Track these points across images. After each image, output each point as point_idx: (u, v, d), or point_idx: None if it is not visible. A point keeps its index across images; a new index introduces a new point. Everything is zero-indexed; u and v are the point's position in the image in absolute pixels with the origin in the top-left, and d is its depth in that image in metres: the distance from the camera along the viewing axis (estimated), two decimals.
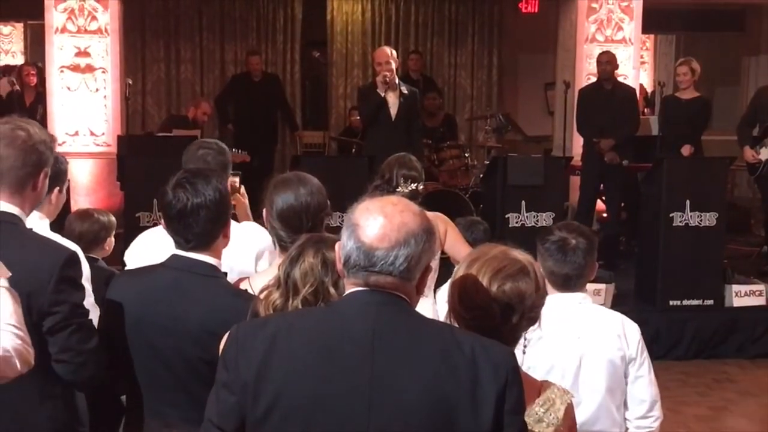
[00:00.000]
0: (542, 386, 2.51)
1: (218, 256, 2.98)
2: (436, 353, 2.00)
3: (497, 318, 2.41)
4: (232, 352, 2.09)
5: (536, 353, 2.96)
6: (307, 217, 3.21)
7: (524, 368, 2.53)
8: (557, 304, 3.23)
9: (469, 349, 2.01)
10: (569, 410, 2.51)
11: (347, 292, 2.08)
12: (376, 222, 2.01)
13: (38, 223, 3.47)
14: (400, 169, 4.64)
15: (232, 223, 3.63)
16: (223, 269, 3.16)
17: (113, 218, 4.83)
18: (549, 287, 3.32)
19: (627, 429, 3.37)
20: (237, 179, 4.27)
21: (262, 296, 2.53)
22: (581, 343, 3.26)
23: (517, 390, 2.03)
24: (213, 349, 2.57)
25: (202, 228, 2.89)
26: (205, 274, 2.91)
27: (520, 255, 2.52)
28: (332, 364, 1.99)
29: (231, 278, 3.22)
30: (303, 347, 2.03)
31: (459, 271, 2.51)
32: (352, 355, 1.99)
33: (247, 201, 4.35)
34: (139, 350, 2.90)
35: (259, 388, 2.02)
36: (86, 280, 3.57)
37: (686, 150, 8.71)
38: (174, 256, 2.95)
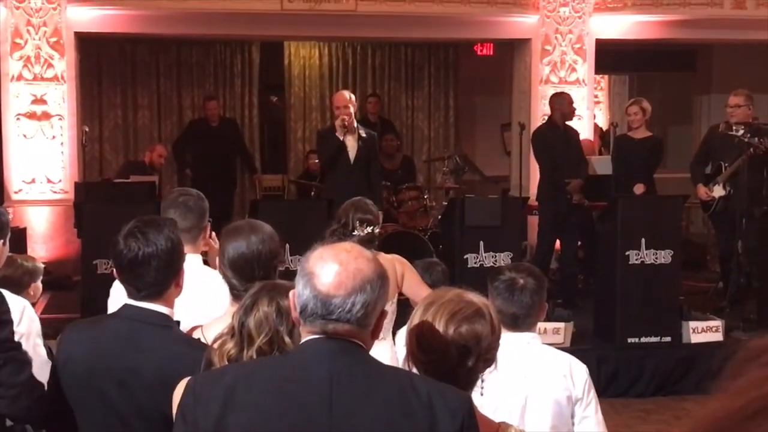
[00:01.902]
0: (499, 428, 2.53)
1: (171, 305, 2.97)
2: (393, 399, 2.02)
3: (454, 360, 2.43)
4: (189, 404, 2.09)
5: (488, 378, 2.98)
6: (258, 265, 3.21)
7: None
8: (505, 344, 3.26)
9: (425, 394, 2.03)
10: None
11: (303, 339, 2.09)
12: (331, 270, 2.02)
13: None
14: (356, 213, 4.63)
15: (208, 270, 3.67)
16: (201, 316, 3.19)
17: (40, 265, 4.83)
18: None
19: None
20: (208, 225, 4.30)
21: (215, 345, 2.51)
22: (527, 383, 3.29)
23: None
24: (167, 399, 2.57)
25: (154, 278, 2.89)
26: (158, 324, 2.90)
27: (476, 298, 2.55)
28: (291, 412, 2.00)
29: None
30: (261, 397, 2.03)
31: (415, 316, 2.53)
32: (310, 403, 2.00)
33: (218, 246, 4.37)
34: (91, 402, 2.88)
35: None
36: (38, 335, 3.58)
37: (639, 189, 8.83)
38: (126, 306, 2.95)
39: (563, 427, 3.33)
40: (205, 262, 4.07)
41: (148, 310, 2.91)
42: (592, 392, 3.39)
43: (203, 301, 3.51)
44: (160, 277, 2.90)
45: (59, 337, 3.06)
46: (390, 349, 4.33)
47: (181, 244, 3.01)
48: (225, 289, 3.66)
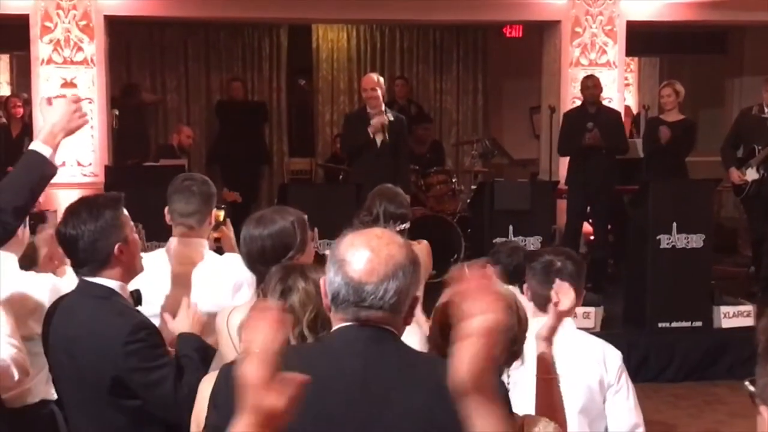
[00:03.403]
0: (524, 422, 2.48)
1: (119, 278, 3.08)
2: (427, 386, 1.99)
3: None
4: (222, 394, 2.05)
5: (515, 374, 2.96)
6: (263, 261, 3.16)
7: None
8: (540, 326, 3.26)
9: None
10: None
11: (335, 327, 2.06)
12: (362, 256, 1.99)
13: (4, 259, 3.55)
14: (389, 205, 4.62)
15: (212, 255, 3.67)
16: (202, 301, 3.30)
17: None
18: (534, 309, 3.35)
19: None
20: (222, 212, 4.28)
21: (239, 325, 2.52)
22: (559, 367, 3.27)
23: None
24: (103, 365, 2.90)
25: (83, 257, 3.03)
26: (98, 296, 3.04)
27: (502, 288, 2.51)
28: (325, 401, 1.97)
29: (207, 310, 3.30)
30: None
31: (440, 302, 2.50)
32: (344, 391, 1.97)
33: (232, 233, 4.35)
34: (55, 370, 3.14)
35: None
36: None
37: (665, 133, 8.71)
38: (79, 280, 3.12)
39: (593, 412, 3.31)
40: (220, 249, 4.07)
41: (92, 283, 3.05)
42: (624, 377, 3.36)
43: (205, 286, 3.54)
44: (89, 255, 3.02)
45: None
46: (419, 333, 4.32)
47: (112, 223, 3.05)
48: (229, 273, 3.68)
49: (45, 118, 3.30)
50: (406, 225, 4.61)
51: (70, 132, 3.32)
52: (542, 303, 3.34)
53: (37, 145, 3.21)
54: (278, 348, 1.66)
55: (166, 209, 3.78)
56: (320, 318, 2.42)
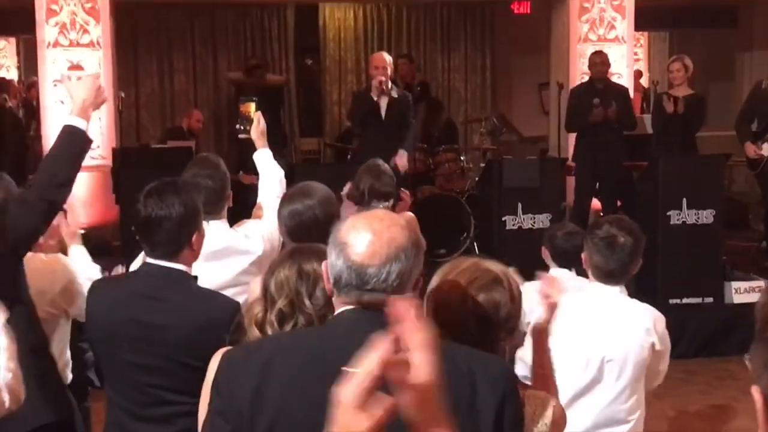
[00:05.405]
0: (524, 396, 2.46)
1: (187, 265, 3.05)
2: None
3: (473, 331, 2.34)
4: (224, 379, 2.04)
5: (564, 339, 3.04)
6: (317, 230, 3.16)
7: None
8: (596, 294, 3.43)
9: (465, 365, 1.98)
10: (557, 411, 2.50)
11: (338, 311, 2.04)
12: (364, 239, 1.97)
13: None
14: (374, 182, 4.63)
15: (232, 232, 3.69)
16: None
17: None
18: (591, 277, 3.51)
19: None
20: (253, 105, 4.36)
21: (245, 309, 2.54)
22: (611, 333, 3.39)
23: (515, 403, 2.01)
24: (186, 351, 2.86)
25: (166, 239, 2.98)
26: (175, 279, 3.00)
27: (493, 266, 2.47)
28: (328, 386, 1.96)
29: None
30: (298, 371, 1.98)
31: (432, 287, 2.46)
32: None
33: (263, 124, 4.51)
34: (114, 356, 3.00)
35: (255, 415, 1.97)
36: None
37: (669, 106, 8.65)
38: (144, 264, 3.06)
39: (641, 376, 3.49)
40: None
41: (165, 267, 3.00)
42: (668, 339, 3.58)
43: (230, 263, 3.70)
44: (173, 238, 2.98)
45: (88, 293, 3.18)
46: None
47: (196, 209, 3.05)
48: (252, 243, 3.76)
49: (72, 94, 3.38)
50: (389, 203, 4.61)
51: (97, 107, 3.43)
52: (603, 275, 3.42)
53: (71, 120, 3.33)
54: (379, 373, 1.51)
55: None
56: (296, 304, 2.39)
